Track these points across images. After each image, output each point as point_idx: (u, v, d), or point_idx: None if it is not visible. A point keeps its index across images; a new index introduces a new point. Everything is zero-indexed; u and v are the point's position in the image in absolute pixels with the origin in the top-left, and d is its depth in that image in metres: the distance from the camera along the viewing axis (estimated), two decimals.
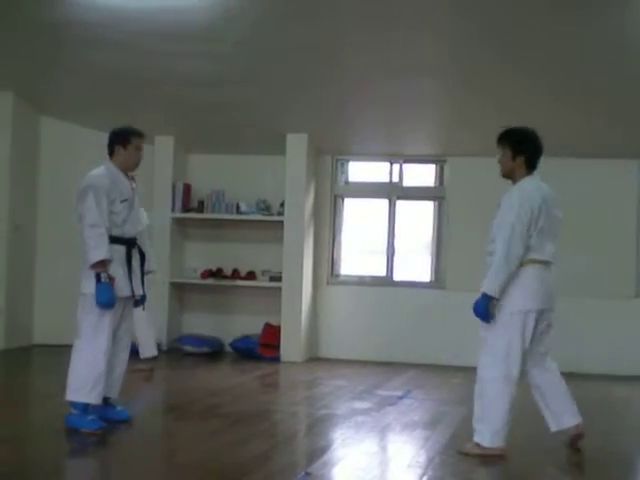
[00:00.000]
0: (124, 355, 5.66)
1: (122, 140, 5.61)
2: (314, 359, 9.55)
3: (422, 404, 6.94)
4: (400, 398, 7.12)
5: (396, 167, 9.85)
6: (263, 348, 9.43)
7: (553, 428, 5.26)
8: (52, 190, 9.69)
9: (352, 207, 10.13)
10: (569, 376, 5.44)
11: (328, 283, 9.92)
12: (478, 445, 5.05)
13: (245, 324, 9.71)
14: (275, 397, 7.62)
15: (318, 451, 5.13)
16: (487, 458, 4.97)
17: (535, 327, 5.09)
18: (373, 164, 10.12)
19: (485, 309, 5.03)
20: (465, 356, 8.92)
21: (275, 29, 7.24)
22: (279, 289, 9.48)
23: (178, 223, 9.96)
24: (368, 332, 9.60)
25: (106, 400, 5.55)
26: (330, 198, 9.94)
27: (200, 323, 9.95)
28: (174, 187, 9.83)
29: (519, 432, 5.28)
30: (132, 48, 7.68)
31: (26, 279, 9.52)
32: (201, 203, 9.90)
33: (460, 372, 8.41)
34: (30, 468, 4.62)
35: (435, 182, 9.90)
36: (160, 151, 9.85)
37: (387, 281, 9.81)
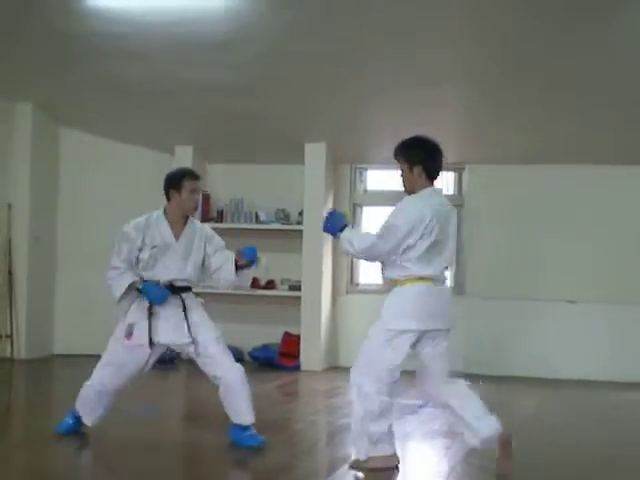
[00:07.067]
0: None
1: (175, 184, 5.38)
2: (334, 368, 9.52)
3: (442, 413, 6.89)
4: (420, 407, 7.08)
5: None
6: (283, 357, 9.42)
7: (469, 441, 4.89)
8: (72, 201, 9.74)
9: (371, 216, 10.11)
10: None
11: (347, 292, 9.90)
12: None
13: (264, 333, 9.69)
14: (295, 406, 7.61)
15: (339, 460, 5.12)
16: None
17: (415, 347, 4.94)
18: (391, 172, 10.09)
19: (331, 229, 4.98)
20: (485, 364, 8.89)
21: (293, 39, 7.25)
22: (298, 298, 9.47)
23: None
24: None
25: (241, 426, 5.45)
26: (349, 207, 9.91)
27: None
28: None
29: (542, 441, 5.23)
30: (150, 59, 7.72)
31: (46, 290, 9.56)
32: (220, 212, 9.91)
33: (480, 380, 8.35)
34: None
35: (454, 190, 9.86)
36: (179, 161, 9.83)
37: None
